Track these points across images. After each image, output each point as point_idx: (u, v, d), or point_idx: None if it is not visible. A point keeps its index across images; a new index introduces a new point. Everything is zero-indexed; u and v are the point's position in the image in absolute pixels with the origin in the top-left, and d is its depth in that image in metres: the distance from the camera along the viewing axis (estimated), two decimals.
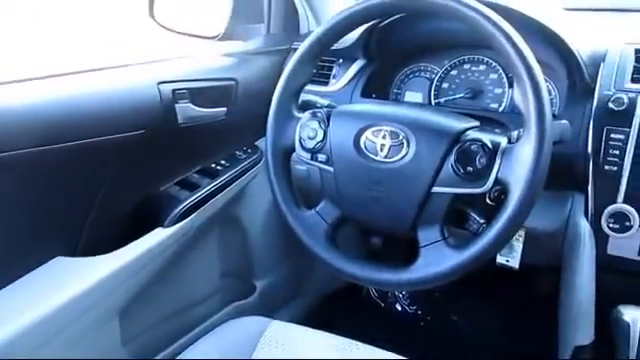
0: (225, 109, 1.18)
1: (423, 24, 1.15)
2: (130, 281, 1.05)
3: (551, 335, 1.14)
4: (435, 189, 0.79)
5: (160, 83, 1.05)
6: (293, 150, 0.92)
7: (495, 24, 0.75)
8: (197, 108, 1.11)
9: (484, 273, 1.31)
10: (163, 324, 1.22)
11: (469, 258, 0.76)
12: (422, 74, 1.25)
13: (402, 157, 0.81)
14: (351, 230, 1.70)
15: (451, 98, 1.20)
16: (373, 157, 0.83)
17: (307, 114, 0.91)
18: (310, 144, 0.89)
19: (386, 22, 1.15)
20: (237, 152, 1.30)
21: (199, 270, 1.29)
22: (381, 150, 0.82)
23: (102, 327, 1.03)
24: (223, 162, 1.25)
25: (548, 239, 1.05)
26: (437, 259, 0.78)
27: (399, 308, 1.80)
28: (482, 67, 1.19)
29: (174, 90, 1.07)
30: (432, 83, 1.22)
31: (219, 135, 1.21)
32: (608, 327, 0.96)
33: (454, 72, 1.21)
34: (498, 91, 1.16)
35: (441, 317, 1.71)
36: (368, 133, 0.84)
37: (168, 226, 1.10)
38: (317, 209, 0.90)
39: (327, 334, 0.93)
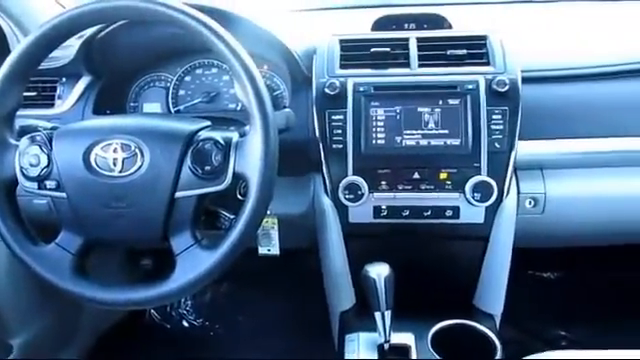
0: None
1: (144, 32, 1.11)
2: None
3: (324, 307, 1.23)
4: (178, 194, 0.78)
5: None
6: (16, 182, 0.82)
7: (206, 26, 0.77)
8: None
9: (254, 268, 1.36)
10: None
11: (222, 255, 0.77)
12: (157, 84, 1.23)
13: (138, 168, 0.78)
14: (119, 257, 1.60)
15: (190, 104, 1.21)
16: (107, 173, 0.79)
17: (25, 140, 0.82)
18: (34, 172, 0.80)
19: (105, 32, 1.10)
20: None
21: None
22: (114, 165, 0.78)
23: None
24: None
25: (300, 221, 1.12)
26: (193, 264, 0.78)
27: (186, 324, 1.76)
28: (214, 70, 1.21)
29: None
30: (168, 92, 1.21)
31: None
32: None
33: (188, 78, 1.22)
34: (233, 91, 1.20)
35: (228, 322, 1.72)
36: (97, 149, 0.79)
37: None
38: (57, 241, 0.82)
39: None
